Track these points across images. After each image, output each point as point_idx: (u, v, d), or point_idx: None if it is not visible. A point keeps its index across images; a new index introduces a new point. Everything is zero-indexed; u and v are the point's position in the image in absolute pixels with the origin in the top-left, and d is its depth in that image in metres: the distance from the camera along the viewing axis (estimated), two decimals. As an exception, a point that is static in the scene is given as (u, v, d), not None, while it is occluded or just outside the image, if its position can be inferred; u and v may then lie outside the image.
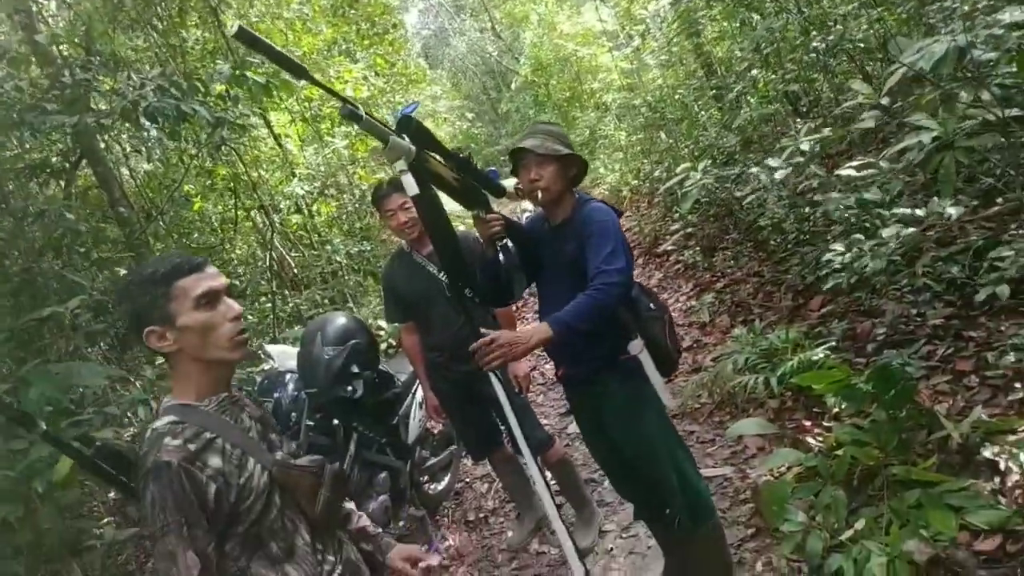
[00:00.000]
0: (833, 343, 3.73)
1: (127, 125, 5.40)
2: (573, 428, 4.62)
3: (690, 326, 5.47)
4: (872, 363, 3.41)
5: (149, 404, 3.67)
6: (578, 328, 2.09)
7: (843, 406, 3.10)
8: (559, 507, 3.58)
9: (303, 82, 2.10)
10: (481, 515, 3.98)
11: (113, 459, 1.67)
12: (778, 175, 3.68)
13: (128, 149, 7.75)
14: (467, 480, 4.37)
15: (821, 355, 3.49)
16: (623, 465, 2.59)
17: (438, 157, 2.08)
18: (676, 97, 9.37)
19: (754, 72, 6.04)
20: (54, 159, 6.82)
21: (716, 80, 8.23)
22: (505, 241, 2.40)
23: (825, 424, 3.37)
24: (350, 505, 1.83)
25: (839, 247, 3.20)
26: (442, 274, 3.16)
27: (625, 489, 2.77)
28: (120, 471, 1.65)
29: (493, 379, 2.13)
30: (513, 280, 2.55)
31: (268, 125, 7.87)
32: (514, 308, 4.30)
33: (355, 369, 3.06)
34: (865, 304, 4.09)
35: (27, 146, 6.49)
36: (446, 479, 4.17)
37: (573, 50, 14.65)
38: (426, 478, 4.00)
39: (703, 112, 8.32)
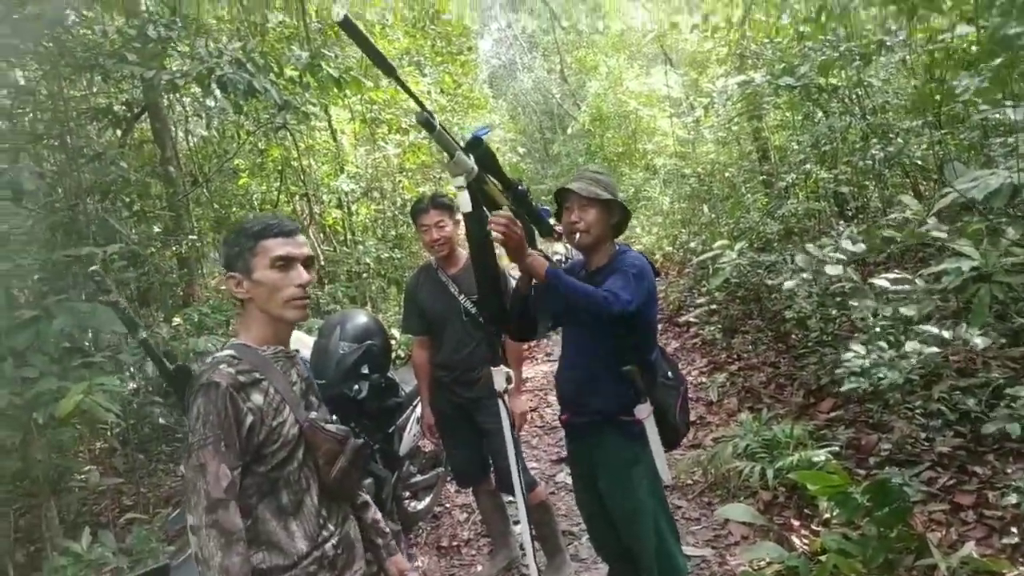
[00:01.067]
0: (836, 448, 3.71)
1: (193, 89, 5.55)
2: (562, 477, 4.60)
3: (697, 401, 5.45)
4: (871, 477, 3.39)
5: (162, 364, 3.69)
6: (565, 294, 2.11)
7: (835, 512, 3.08)
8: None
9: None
10: (455, 543, 3.95)
11: (187, 379, 1.75)
12: (806, 275, 3.70)
13: (190, 112, 7.95)
14: (447, 505, 4.36)
15: (822, 457, 3.48)
16: (607, 523, 2.58)
17: (497, 183, 2.13)
18: (726, 175, 9.47)
19: (808, 166, 6.09)
20: (118, 107, 6.99)
21: (769, 166, 8.32)
22: None
23: (813, 527, 3.34)
24: (367, 497, 1.89)
25: (859, 348, 3.19)
26: (462, 296, 3.20)
27: (604, 547, 2.75)
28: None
29: (502, 411, 2.16)
30: (539, 319, 2.57)
31: (328, 118, 8.02)
32: (525, 347, 4.30)
33: (365, 370, 3.09)
34: (875, 417, 4.07)
35: (95, 90, 6.69)
36: (428, 499, 4.16)
37: (634, 108, 14.84)
38: (408, 494, 3.99)
39: (749, 195, 8.38)
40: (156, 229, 6.64)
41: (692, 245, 8.72)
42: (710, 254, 6.23)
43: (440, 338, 3.35)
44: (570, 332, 2.63)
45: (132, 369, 4.10)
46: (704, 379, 5.77)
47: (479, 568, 3.63)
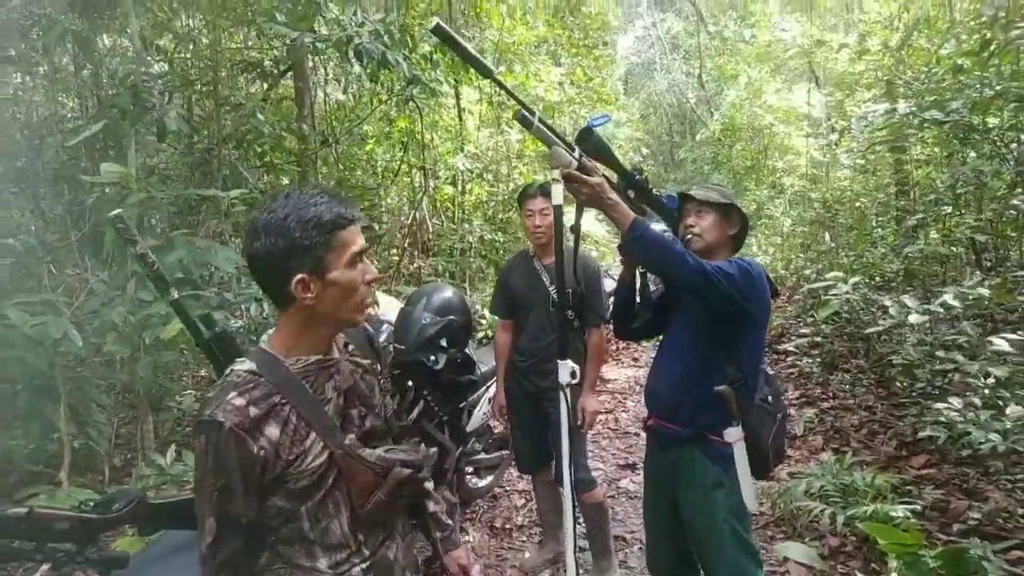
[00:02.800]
0: (919, 507, 3.49)
1: (336, 53, 5.82)
2: (626, 484, 4.56)
3: (781, 432, 5.25)
4: (952, 543, 3.17)
5: (262, 304, 3.95)
6: (648, 245, 2.04)
7: (903, 573, 2.90)
8: (582, 549, 3.58)
9: (500, 69, 2.21)
10: (508, 526, 4.02)
11: (225, 345, 1.76)
12: (912, 318, 3.46)
13: (330, 76, 8.33)
14: (507, 488, 4.42)
15: (901, 514, 3.28)
16: (668, 538, 2.52)
17: (609, 173, 2.14)
18: (856, 204, 8.99)
19: (943, 208, 5.69)
20: (267, 63, 7.40)
21: (905, 201, 7.81)
22: (646, 273, 2.43)
23: (879, 584, 3.17)
24: (429, 485, 1.70)
25: (954, 401, 2.98)
26: (552, 287, 3.22)
27: (657, 562, 2.67)
28: (227, 358, 1.68)
29: (562, 403, 2.17)
30: (639, 311, 2.54)
31: (457, 97, 8.21)
32: (614, 348, 4.23)
33: (444, 343, 3.17)
34: (970, 483, 3.80)
35: (249, 43, 7.13)
36: (489, 479, 4.24)
37: (769, 123, 14.29)
38: (471, 470, 4.09)
39: (880, 228, 7.93)
40: (284, 181, 7.03)
41: (807, 272, 8.35)
42: (822, 284, 5.97)
43: (523, 324, 3.41)
44: (668, 337, 2.58)
45: (242, 308, 4.40)
46: (792, 412, 5.54)
47: (526, 555, 3.67)
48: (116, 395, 4.07)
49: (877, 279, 6.34)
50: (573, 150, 2.00)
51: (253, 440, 1.31)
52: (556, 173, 1.99)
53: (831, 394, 5.71)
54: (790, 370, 6.66)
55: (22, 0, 3.34)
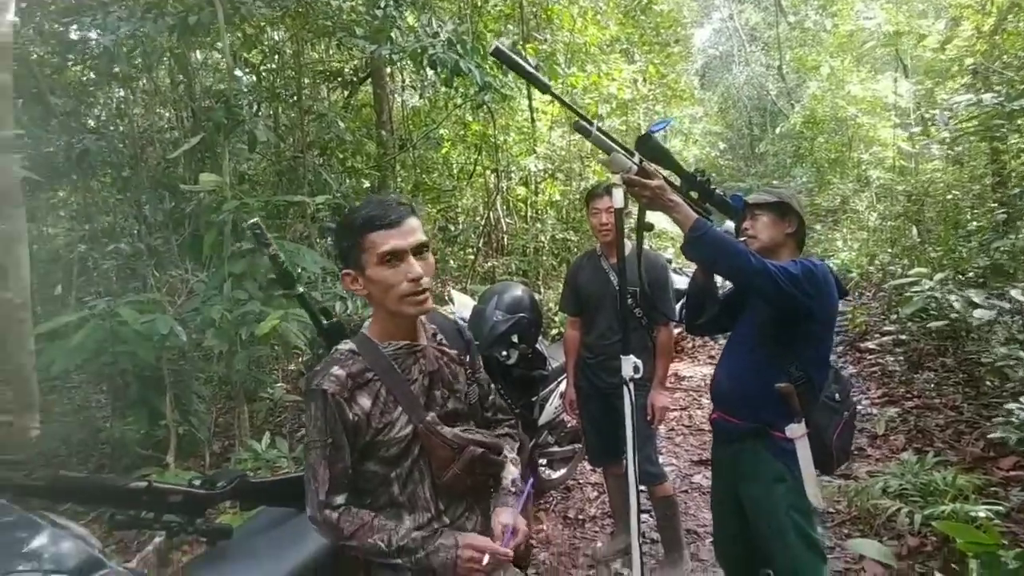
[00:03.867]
0: (1003, 509, 3.39)
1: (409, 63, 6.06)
2: (699, 480, 4.58)
3: (861, 431, 5.14)
4: (1038, 547, 3.08)
5: (347, 302, 4.18)
6: (711, 245, 2.07)
7: (981, 573, 2.84)
8: (653, 541, 3.65)
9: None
10: (580, 516, 4.11)
11: (337, 332, 2.00)
12: (977, 313, 3.35)
13: (407, 81, 8.62)
14: (580, 480, 4.51)
15: (983, 515, 3.21)
16: (736, 531, 2.55)
17: (671, 176, 2.21)
18: (949, 197, 8.62)
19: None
20: (347, 71, 7.73)
21: (1002, 193, 7.43)
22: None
23: (957, 583, 3.11)
24: (509, 459, 1.82)
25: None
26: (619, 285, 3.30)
27: (726, 555, 2.71)
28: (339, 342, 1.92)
29: (626, 398, 2.25)
30: (706, 307, 2.59)
31: (529, 98, 8.33)
32: (691, 345, 4.25)
33: (515, 339, 3.31)
34: (1063, 485, 3.65)
35: (331, 52, 7.48)
36: (563, 471, 4.35)
37: (853, 115, 13.81)
38: (544, 462, 4.21)
39: (972, 222, 7.58)
40: (365, 184, 7.34)
41: (892, 267, 8.07)
42: (906, 280, 5.80)
43: (591, 322, 3.49)
44: (735, 335, 2.62)
45: (327, 307, 4.66)
46: (874, 410, 5.41)
47: (598, 545, 3.76)
48: (214, 386, 4.39)
49: (969, 275, 6.09)
50: (632, 156, 2.08)
51: (348, 407, 1.54)
52: (616, 178, 2.08)
53: (915, 393, 5.53)
54: (873, 368, 6.48)
55: (129, 26, 3.65)
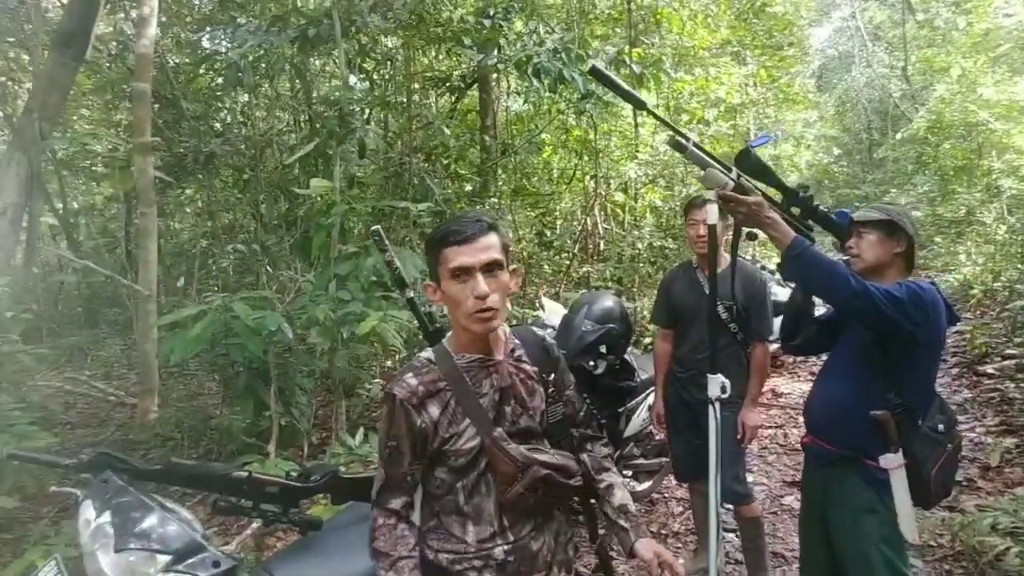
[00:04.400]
0: None
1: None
2: (790, 501, 4.43)
3: (972, 461, 4.82)
4: None
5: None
6: (809, 264, 2.01)
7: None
8: (737, 562, 3.57)
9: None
10: (663, 531, 4.06)
11: (439, 337, 2.10)
12: None
13: (512, 87, 8.74)
14: (666, 495, 4.45)
15: (1107, 562, 2.96)
16: (822, 558, 2.48)
17: (770, 192, 2.17)
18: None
19: None
20: (455, 77, 7.92)
21: None
22: None
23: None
24: (612, 478, 1.82)
25: None
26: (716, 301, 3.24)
27: None
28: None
29: (711, 417, 2.22)
30: (802, 326, 2.52)
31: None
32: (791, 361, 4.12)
33: (603, 349, 3.32)
34: None
35: (440, 57, 7.69)
36: (648, 483, 4.31)
37: (985, 120, 12.87)
38: (630, 474, 4.19)
39: None
40: (467, 188, 7.51)
41: (1020, 287, 7.50)
42: (1029, 302, 5.41)
43: (684, 335, 3.44)
44: (833, 356, 2.54)
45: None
46: (988, 439, 5.05)
47: (681, 561, 3.71)
48: (316, 381, 4.64)
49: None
50: (730, 171, 2.05)
51: (417, 414, 1.58)
52: (711, 194, 2.07)
53: (1039, 423, 5.13)
54: (991, 394, 6.04)
55: (256, 39, 3.92)
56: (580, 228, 8.05)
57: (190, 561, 1.77)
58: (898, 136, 18.76)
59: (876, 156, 24.05)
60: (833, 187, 23.03)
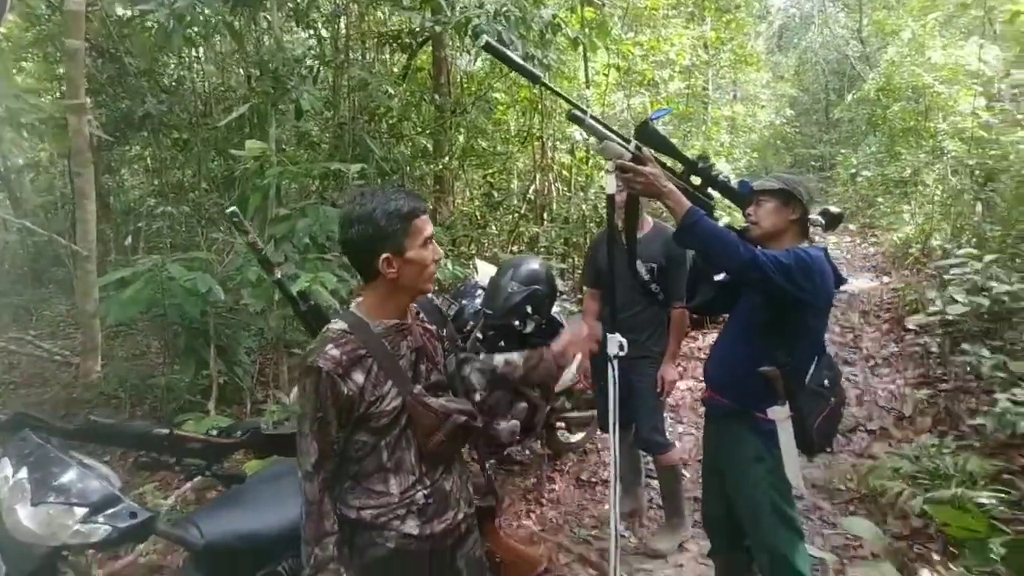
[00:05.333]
0: (1013, 498, 3.39)
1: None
2: (716, 450, 4.69)
3: (889, 412, 5.13)
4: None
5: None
6: (702, 235, 2.15)
7: (969, 558, 2.89)
8: (659, 507, 3.79)
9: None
10: (593, 480, 4.29)
11: (315, 319, 2.15)
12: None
13: (462, 46, 8.66)
14: (598, 446, 4.67)
15: (987, 501, 3.23)
16: (719, 503, 2.68)
17: (669, 162, 2.28)
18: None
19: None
20: (405, 36, 7.80)
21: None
22: None
23: (953, 567, 3.15)
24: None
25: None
26: (637, 261, 3.38)
27: (711, 526, 2.84)
28: (317, 324, 2.05)
29: (610, 374, 2.37)
30: (699, 288, 2.68)
31: (586, 63, 8.26)
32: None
33: (529, 310, 3.46)
34: (1083, 478, 3.61)
35: (392, 16, 7.59)
36: (580, 435, 4.53)
37: (930, 83, 13.14)
38: (562, 426, 4.38)
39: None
40: (422, 146, 7.45)
41: (949, 246, 7.81)
42: (950, 261, 5.68)
43: (609, 294, 3.59)
44: (730, 317, 2.72)
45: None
46: (906, 391, 5.36)
47: (605, 506, 3.93)
48: (259, 340, 4.71)
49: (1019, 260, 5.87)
50: (628, 143, 2.16)
51: (343, 383, 1.67)
52: (610, 165, 2.18)
53: (954, 376, 5.44)
54: (915, 348, 6.37)
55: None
56: (529, 189, 8.12)
57: (108, 512, 1.87)
58: (850, 97, 19.02)
59: (832, 117, 24.37)
60: (787, 148, 23.32)
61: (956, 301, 5.09)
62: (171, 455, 2.19)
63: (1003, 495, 3.35)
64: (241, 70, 7.09)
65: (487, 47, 1.93)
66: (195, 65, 7.07)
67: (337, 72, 6.02)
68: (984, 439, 4.30)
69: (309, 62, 5.98)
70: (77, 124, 4.89)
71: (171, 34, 3.82)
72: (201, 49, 6.60)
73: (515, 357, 2.05)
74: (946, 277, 5.23)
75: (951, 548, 3.30)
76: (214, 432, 2.33)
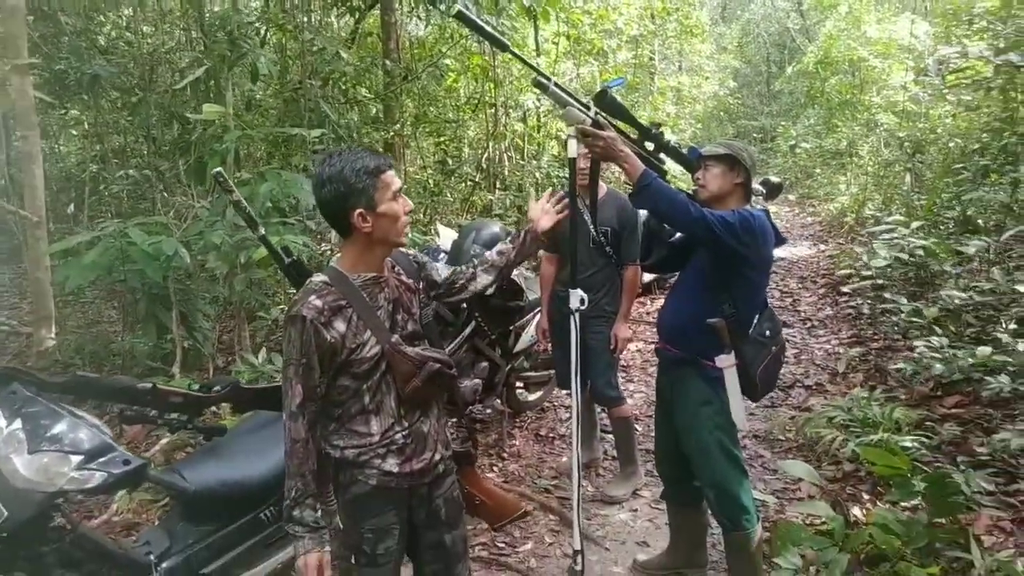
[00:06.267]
0: (933, 442, 3.72)
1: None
2: (663, 404, 4.94)
3: (824, 369, 5.47)
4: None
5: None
6: (655, 196, 2.32)
7: (895, 494, 3.18)
8: (614, 458, 4.00)
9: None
10: (551, 435, 4.49)
11: (298, 272, 2.24)
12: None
13: (412, 9, 8.59)
14: (555, 404, 4.87)
15: (910, 445, 3.54)
16: (670, 449, 2.88)
17: (626, 129, 2.43)
18: (951, 145, 8.64)
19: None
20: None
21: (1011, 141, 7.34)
22: None
23: (880, 504, 3.45)
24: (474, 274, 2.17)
25: (936, 341, 3.19)
26: (592, 224, 3.54)
27: (663, 470, 3.06)
28: (301, 277, 2.16)
29: (572, 326, 2.52)
30: (653, 247, 2.86)
31: (536, 30, 8.32)
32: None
33: (491, 272, 3.58)
34: (994, 423, 3.96)
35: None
36: (538, 394, 4.71)
37: (865, 56, 13.63)
38: (521, 385, 4.56)
39: (965, 171, 7.66)
40: (372, 113, 7.43)
41: (880, 214, 8.24)
42: (880, 228, 6.02)
43: (566, 258, 3.75)
44: (681, 274, 2.91)
45: (323, 234, 4.94)
46: (841, 350, 5.72)
47: (563, 459, 4.13)
48: (220, 306, 4.73)
49: (947, 226, 6.27)
50: (588, 109, 2.30)
51: (326, 331, 1.78)
52: (571, 130, 2.31)
53: (883, 335, 5.82)
54: (848, 310, 6.76)
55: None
56: (482, 157, 8.19)
57: (101, 460, 1.94)
58: (790, 70, 19.52)
59: (773, 89, 24.96)
60: (733, 118, 23.82)
61: (879, 255, 5.45)
62: (154, 408, 2.26)
63: (925, 440, 3.68)
64: (182, 32, 6.94)
65: (459, 16, 2.02)
66: (133, 26, 6.86)
67: (287, 35, 5.95)
68: (909, 390, 4.66)
69: (258, 25, 5.91)
70: (21, 85, 4.76)
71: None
72: (138, 9, 6.40)
73: (501, 246, 2.23)
74: (875, 243, 5.54)
75: (879, 488, 3.60)
76: (195, 387, 2.41)
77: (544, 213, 2.25)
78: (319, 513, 1.85)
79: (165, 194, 4.80)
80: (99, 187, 6.76)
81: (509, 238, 2.26)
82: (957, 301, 4.63)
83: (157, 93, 5.65)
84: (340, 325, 1.81)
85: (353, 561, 1.98)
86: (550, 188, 6.64)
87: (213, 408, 3.59)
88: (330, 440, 1.93)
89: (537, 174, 7.80)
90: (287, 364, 1.82)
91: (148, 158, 5.43)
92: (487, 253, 2.23)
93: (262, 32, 6.13)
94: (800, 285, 8.39)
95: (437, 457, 2.04)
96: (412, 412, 1.96)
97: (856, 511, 3.42)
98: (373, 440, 1.90)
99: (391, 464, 1.92)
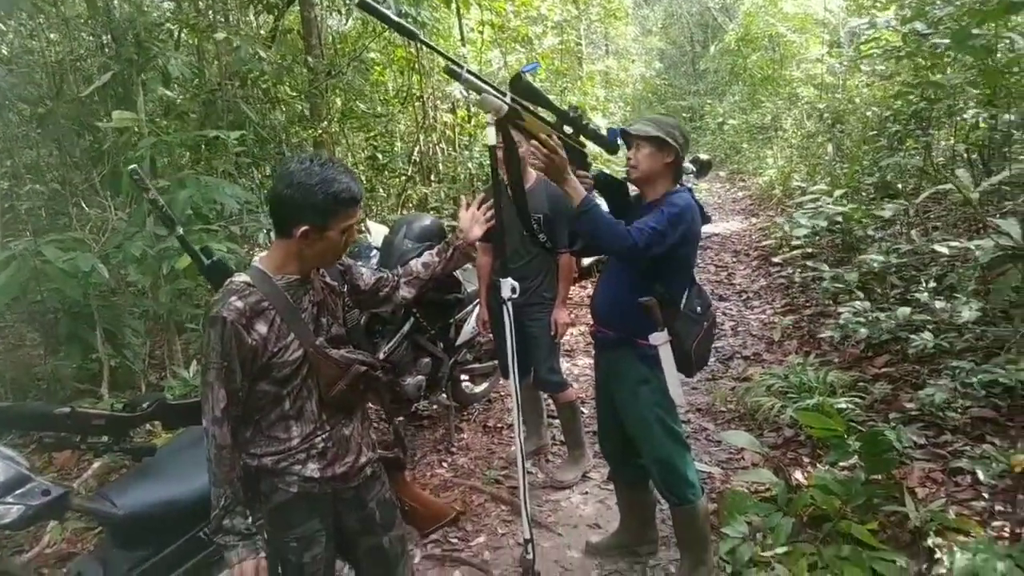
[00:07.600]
0: (865, 402, 3.85)
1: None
2: (610, 387, 4.99)
3: (761, 339, 5.61)
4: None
5: (270, 235, 4.33)
6: (594, 222, 2.37)
7: (831, 455, 3.29)
8: (562, 443, 4.02)
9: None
10: (499, 425, 4.48)
11: (219, 273, 2.19)
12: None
13: (334, 4, 8.42)
14: (501, 394, 4.87)
15: (845, 406, 3.65)
16: (613, 429, 2.92)
17: (544, 114, 2.41)
18: (868, 114, 8.93)
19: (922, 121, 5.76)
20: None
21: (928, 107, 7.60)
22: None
23: (819, 466, 3.56)
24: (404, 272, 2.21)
25: (858, 305, 3.31)
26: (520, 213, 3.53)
27: (607, 451, 3.09)
28: (222, 279, 2.04)
29: (504, 315, 2.50)
30: (579, 239, 2.88)
31: (459, 19, 8.25)
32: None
33: (424, 265, 3.54)
34: (921, 379, 4.12)
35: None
36: (484, 386, 4.70)
37: (783, 32, 13.98)
38: (466, 378, 4.53)
39: (882, 139, 7.93)
40: (281, 117, 7.24)
41: (805, 185, 8.49)
42: (805, 198, 6.19)
43: (500, 247, 3.73)
44: (611, 259, 2.92)
45: (251, 238, 4.80)
46: (776, 319, 5.87)
47: (511, 448, 4.14)
48: (148, 320, 4.55)
49: (868, 192, 6.49)
50: (504, 95, 2.27)
51: (247, 333, 1.73)
52: (489, 117, 2.28)
53: (814, 302, 6.00)
54: (780, 280, 6.94)
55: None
56: (414, 151, 8.10)
57: (18, 492, 1.84)
58: (713, 49, 19.91)
59: (699, 68, 25.43)
60: (661, 99, 24.18)
61: (801, 225, 5.62)
62: (77, 432, 2.15)
63: (858, 400, 3.82)
64: (91, 38, 6.64)
65: (361, 5, 1.94)
66: (38, 33, 6.53)
67: (201, 36, 5.75)
68: (842, 353, 4.82)
69: (170, 26, 5.70)
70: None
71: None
72: (42, 16, 6.09)
73: (427, 257, 2.24)
74: (796, 213, 5.69)
75: (818, 451, 3.72)
76: (118, 407, 2.30)
77: (475, 222, 2.28)
78: (250, 520, 1.80)
79: (82, 206, 4.58)
80: (13, 204, 6.42)
81: (436, 250, 2.25)
82: (876, 265, 4.78)
83: (66, 103, 5.40)
84: (262, 327, 1.75)
85: (280, 572, 1.94)
86: (480, 193, 6.63)
87: (148, 426, 3.48)
88: (247, 448, 1.87)
89: (470, 164, 7.76)
90: (207, 368, 1.75)
91: (61, 170, 5.18)
92: (412, 263, 2.22)
93: (175, 34, 5.91)
94: (734, 259, 8.59)
95: (363, 460, 2.01)
96: (334, 416, 1.93)
97: (798, 475, 3.52)
98: (292, 446, 1.86)
99: (312, 470, 1.88)
